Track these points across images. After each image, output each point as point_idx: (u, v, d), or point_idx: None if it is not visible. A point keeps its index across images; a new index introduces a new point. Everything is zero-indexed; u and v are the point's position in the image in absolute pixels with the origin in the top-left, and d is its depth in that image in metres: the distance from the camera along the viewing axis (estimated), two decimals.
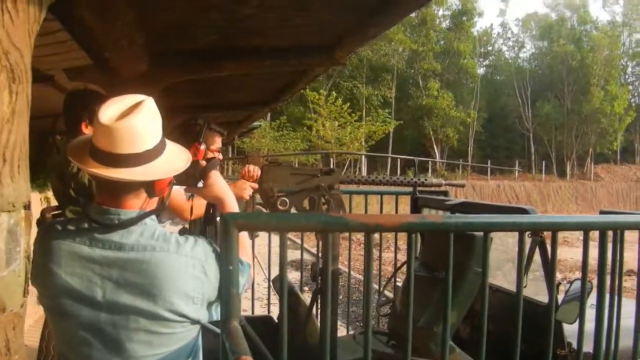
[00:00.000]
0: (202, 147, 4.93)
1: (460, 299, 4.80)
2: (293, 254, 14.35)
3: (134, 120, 2.63)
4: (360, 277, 14.61)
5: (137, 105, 2.67)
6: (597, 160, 78.74)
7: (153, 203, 2.87)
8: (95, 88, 5.21)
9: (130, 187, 2.73)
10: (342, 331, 8.73)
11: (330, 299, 3.08)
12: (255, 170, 4.95)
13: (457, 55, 74.16)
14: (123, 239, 2.71)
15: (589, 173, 75.30)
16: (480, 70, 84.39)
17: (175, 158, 2.88)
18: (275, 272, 4.74)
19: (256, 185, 4.90)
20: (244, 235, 2.95)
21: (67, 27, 5.50)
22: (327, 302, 3.10)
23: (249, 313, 8.22)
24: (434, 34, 73.17)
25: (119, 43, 5.73)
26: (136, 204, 2.78)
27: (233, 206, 3.24)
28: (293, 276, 12.44)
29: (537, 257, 5.27)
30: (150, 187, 2.78)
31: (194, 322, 2.81)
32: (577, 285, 5.03)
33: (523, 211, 4.83)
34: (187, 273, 2.72)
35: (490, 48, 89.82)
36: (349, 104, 57.05)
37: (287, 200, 4.65)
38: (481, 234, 3.63)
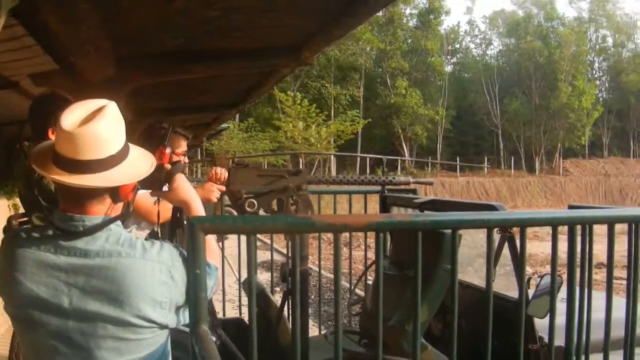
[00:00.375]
0: (168, 150, 4.89)
1: (431, 297, 4.82)
2: (263, 255, 14.37)
3: (97, 126, 2.61)
4: (331, 276, 14.47)
5: (99, 110, 2.65)
6: (565, 155, 79.14)
7: (118, 208, 2.84)
8: (62, 93, 5.19)
9: (94, 193, 2.71)
10: (314, 331, 8.74)
11: (299, 300, 3.08)
12: (222, 172, 4.92)
13: (425, 54, 74.12)
14: (88, 245, 2.69)
15: (557, 168, 75.62)
16: (448, 68, 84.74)
17: (140, 162, 2.86)
18: (245, 273, 4.75)
19: (224, 188, 4.88)
20: (210, 238, 2.94)
21: (31, 32, 5.48)
22: (296, 302, 3.11)
23: (220, 315, 8.20)
24: (402, 32, 72.99)
25: (84, 47, 5.69)
26: (101, 210, 2.75)
27: (199, 209, 3.21)
28: (264, 277, 12.47)
29: (507, 252, 5.30)
30: (114, 193, 2.76)
31: (163, 327, 2.80)
32: (547, 279, 5.04)
33: (492, 208, 4.86)
34: (153, 278, 2.71)
35: (457, 46, 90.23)
36: (315, 105, 56.98)
37: (255, 202, 4.65)
38: (450, 231, 3.64)
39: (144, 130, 5.32)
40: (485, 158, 68.74)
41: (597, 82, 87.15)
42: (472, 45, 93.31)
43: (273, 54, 7.56)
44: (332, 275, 14.02)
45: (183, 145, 5.52)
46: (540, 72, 76.68)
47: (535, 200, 65.11)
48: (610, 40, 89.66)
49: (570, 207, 4.36)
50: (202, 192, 4.77)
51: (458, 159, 66.11)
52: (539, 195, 66.89)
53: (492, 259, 3.25)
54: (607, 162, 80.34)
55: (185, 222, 3.47)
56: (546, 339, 4.89)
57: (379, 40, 70.33)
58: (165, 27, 6.17)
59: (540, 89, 76.56)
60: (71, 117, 2.61)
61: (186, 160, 5.62)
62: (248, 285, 2.89)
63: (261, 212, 4.68)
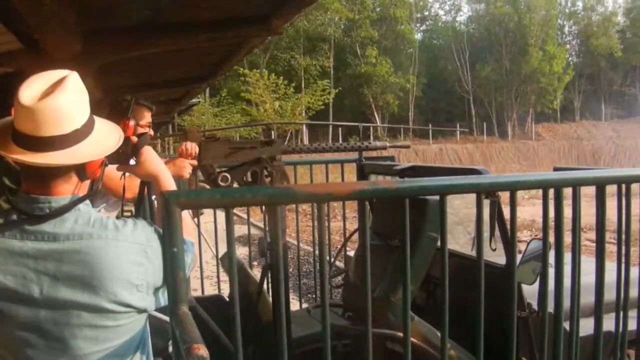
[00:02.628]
0: (132, 122, 4.73)
1: (416, 266, 4.70)
2: (240, 229, 14.25)
3: (58, 99, 2.45)
4: (309, 248, 14.45)
5: (60, 81, 2.49)
6: (537, 120, 79.62)
7: (85, 187, 2.70)
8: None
9: (59, 171, 2.55)
10: (294, 304, 8.69)
11: (282, 274, 2.94)
12: (192, 147, 4.77)
13: (394, 22, 74.28)
14: (56, 228, 2.53)
15: (530, 133, 76.14)
16: (418, 36, 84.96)
17: (106, 136, 2.71)
18: (222, 249, 4.64)
19: (195, 163, 4.74)
20: (185, 213, 2.76)
21: None
22: (280, 276, 2.99)
23: (199, 293, 8.11)
24: (370, 1, 73.08)
25: (48, 24, 5.53)
26: (67, 189, 2.60)
27: (169, 183, 3.05)
28: (241, 252, 12.40)
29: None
30: (81, 170, 2.60)
31: (141, 311, 2.66)
32: (533, 245, 4.97)
33: (476, 172, 4.72)
34: (128, 259, 2.57)
35: (427, 13, 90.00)
36: (282, 77, 57.01)
37: (229, 176, 4.55)
38: (434, 197, 3.52)
39: (107, 104, 5.17)
40: (458, 125, 68.89)
41: (568, 47, 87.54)
42: (441, 12, 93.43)
43: (242, 24, 7.43)
44: (309, 247, 14.01)
45: (147, 117, 5.37)
46: (510, 37, 76.88)
47: (508, 165, 65.57)
48: (580, 4, 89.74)
49: (556, 169, 4.27)
50: (173, 169, 4.65)
51: (430, 125, 66.24)
52: (512, 161, 67.41)
53: (482, 224, 3.15)
54: (579, 125, 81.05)
55: (154, 197, 3.34)
56: (534, 306, 4.83)
57: (348, 10, 70.18)
58: None
59: (510, 54, 76.73)
60: (30, 90, 2.45)
61: (152, 132, 5.46)
62: (228, 261, 2.76)
63: (235, 186, 4.57)
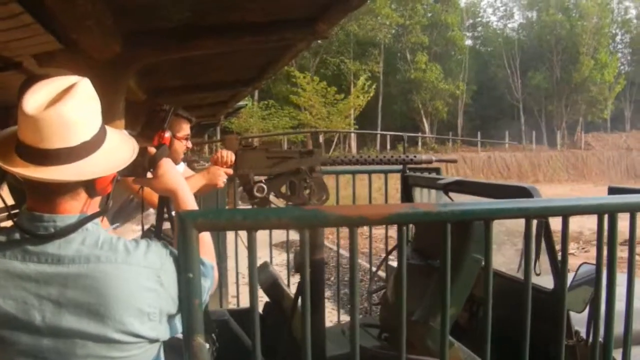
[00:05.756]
0: (168, 134, 4.54)
1: (459, 290, 4.47)
2: (277, 233, 14.06)
3: (65, 108, 2.23)
4: None
5: (68, 89, 2.27)
6: (587, 129, 78.91)
7: (95, 204, 2.47)
8: (63, 73, 4.90)
9: (66, 187, 2.33)
10: (333, 314, 8.50)
11: (309, 308, 2.67)
12: (228, 155, 4.56)
13: (445, 28, 74.15)
14: (61, 250, 2.30)
15: (579, 142, 75.52)
16: (468, 42, 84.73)
17: (119, 149, 2.48)
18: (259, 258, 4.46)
19: (231, 172, 4.54)
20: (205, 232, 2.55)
21: (27, 8, 5.21)
22: (307, 310, 2.71)
23: (234, 305, 8.00)
24: (421, 7, 73.02)
25: (84, 23, 5.45)
26: (74, 207, 2.37)
27: (188, 200, 2.83)
28: (282, 258, 12.17)
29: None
30: (90, 186, 2.38)
31: (153, 341, 2.43)
32: (584, 269, 4.70)
33: (524, 191, 4.46)
34: (139, 286, 2.34)
35: (478, 19, 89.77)
36: (331, 85, 57.24)
37: (265, 187, 4.33)
38: None
39: (144, 114, 5.00)
40: (507, 132, 68.57)
41: (619, 55, 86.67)
42: (493, 18, 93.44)
43: (287, 27, 7.32)
44: None
45: (185, 129, 5.16)
46: (561, 45, 76.36)
47: (557, 174, 65.09)
48: (633, 12, 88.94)
49: (611, 190, 4.02)
50: (207, 177, 4.51)
51: (479, 133, 66.03)
52: (560, 170, 66.85)
53: (531, 249, 2.92)
54: (629, 136, 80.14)
55: (173, 213, 3.13)
56: (582, 334, 4.58)
57: (398, 15, 70.15)
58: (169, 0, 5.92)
59: (561, 62, 76.25)
60: (35, 98, 2.22)
61: (190, 144, 5.26)
62: (249, 290, 2.52)
63: (272, 197, 4.37)
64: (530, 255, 2.92)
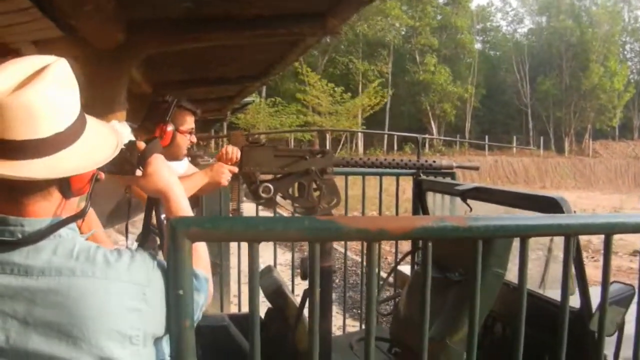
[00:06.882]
0: (170, 127, 4.19)
1: (479, 306, 4.20)
2: None
3: (35, 92, 1.85)
4: (357, 258, 13.97)
5: (40, 71, 1.91)
6: (595, 137, 79.18)
7: (70, 206, 2.08)
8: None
9: (36, 186, 1.94)
10: (338, 318, 8.22)
11: (317, 326, 2.34)
12: (234, 151, 4.26)
13: (455, 31, 74.41)
14: (29, 259, 1.91)
15: (587, 149, 75.77)
16: (478, 46, 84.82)
17: (99, 142, 2.11)
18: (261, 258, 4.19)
19: (236, 169, 4.21)
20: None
21: None
22: (315, 329, 2.36)
23: (235, 309, 7.75)
24: (431, 9, 73.35)
25: (83, 9, 5.18)
26: (46, 209, 1.98)
27: (180, 203, 2.46)
28: (286, 258, 11.90)
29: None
30: (64, 185, 1.99)
31: None
32: (614, 288, 4.37)
33: (554, 202, 4.11)
34: (121, 305, 1.94)
35: (488, 24, 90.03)
36: (339, 85, 57.55)
37: (271, 187, 4.00)
38: None
39: (146, 106, 4.64)
40: (514, 137, 68.61)
41: (629, 64, 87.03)
42: (503, 23, 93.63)
43: (296, 21, 7.06)
44: (357, 257, 13.56)
45: (189, 122, 4.68)
46: (571, 51, 76.67)
47: (564, 181, 65.24)
48: None
49: None
50: (210, 174, 4.20)
51: (487, 137, 66.08)
52: (567, 177, 67.04)
53: (570, 268, 2.61)
54: (637, 144, 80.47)
55: (163, 216, 2.76)
56: (610, 357, 4.28)
57: (408, 17, 70.32)
58: None
59: (571, 69, 76.57)
60: (0, 81, 1.87)
61: (194, 139, 4.87)
62: (249, 306, 2.18)
63: (278, 199, 4.07)
64: (568, 275, 2.61)
